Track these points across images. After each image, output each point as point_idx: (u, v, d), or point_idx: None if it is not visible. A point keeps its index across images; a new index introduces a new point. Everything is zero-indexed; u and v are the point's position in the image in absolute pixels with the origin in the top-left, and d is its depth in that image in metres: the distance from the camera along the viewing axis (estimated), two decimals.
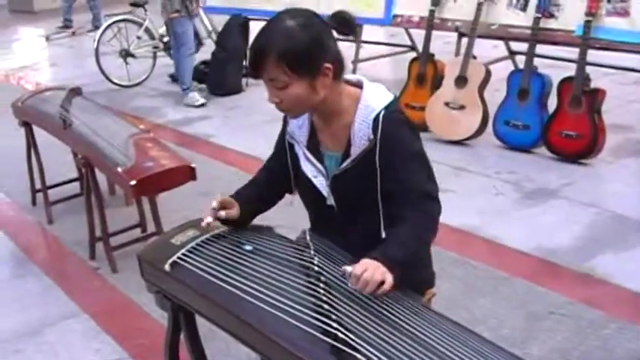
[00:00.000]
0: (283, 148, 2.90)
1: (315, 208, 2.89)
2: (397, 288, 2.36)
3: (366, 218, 2.69)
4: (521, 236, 5.36)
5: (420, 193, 2.56)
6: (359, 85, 2.70)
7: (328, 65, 2.51)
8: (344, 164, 2.66)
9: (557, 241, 5.27)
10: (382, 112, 2.58)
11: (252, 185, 2.99)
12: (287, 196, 3.05)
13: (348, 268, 2.33)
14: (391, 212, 2.62)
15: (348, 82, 2.71)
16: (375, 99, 2.63)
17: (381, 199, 2.64)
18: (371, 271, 2.29)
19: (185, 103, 9.86)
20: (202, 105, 9.76)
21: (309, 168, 2.78)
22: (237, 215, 2.82)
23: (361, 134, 2.60)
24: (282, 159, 2.90)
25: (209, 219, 2.75)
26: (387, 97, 2.65)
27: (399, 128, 2.60)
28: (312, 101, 2.56)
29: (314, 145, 2.78)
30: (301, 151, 2.80)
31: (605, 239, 5.28)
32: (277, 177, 2.96)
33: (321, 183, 2.76)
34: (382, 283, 2.29)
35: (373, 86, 2.70)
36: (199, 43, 10.73)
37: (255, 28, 10.08)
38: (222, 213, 2.78)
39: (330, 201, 2.76)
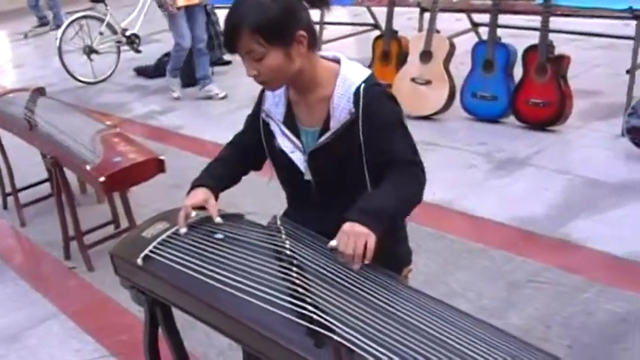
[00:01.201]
0: (256, 124, 2.89)
1: (293, 185, 2.89)
2: (383, 240, 2.39)
3: (343, 191, 2.70)
4: (495, 207, 5.38)
5: (406, 161, 2.59)
6: (336, 61, 2.71)
7: (302, 32, 2.52)
8: (323, 138, 2.66)
9: (532, 209, 5.30)
10: (362, 85, 2.59)
11: (222, 165, 2.98)
12: (265, 174, 3.05)
13: (333, 243, 2.39)
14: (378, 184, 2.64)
15: (325, 58, 2.72)
16: (353, 73, 2.64)
17: (368, 172, 2.66)
18: (352, 239, 2.33)
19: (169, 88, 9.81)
20: (177, 98, 9.67)
21: (286, 143, 2.78)
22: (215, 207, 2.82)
23: (341, 108, 2.61)
24: (254, 135, 2.90)
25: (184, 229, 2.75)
26: (365, 72, 2.66)
27: (381, 99, 2.62)
28: (290, 70, 2.56)
29: (290, 121, 2.78)
30: (277, 128, 2.80)
31: (579, 204, 5.30)
32: (247, 152, 2.98)
33: (298, 158, 2.76)
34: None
35: (351, 62, 2.71)
36: (209, 38, 10.25)
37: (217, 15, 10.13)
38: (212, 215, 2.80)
39: (308, 176, 2.77)
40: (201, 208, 2.77)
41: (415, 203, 2.61)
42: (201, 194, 2.79)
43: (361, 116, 2.57)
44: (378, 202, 2.44)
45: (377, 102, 2.59)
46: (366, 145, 2.60)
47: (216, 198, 2.84)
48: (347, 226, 2.37)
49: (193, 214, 2.74)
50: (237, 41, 2.49)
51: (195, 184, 2.85)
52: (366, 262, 2.34)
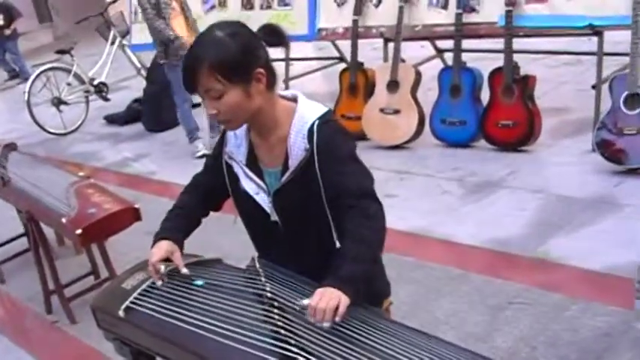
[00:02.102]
0: (217, 166, 2.90)
1: (258, 226, 2.88)
2: (355, 304, 2.36)
3: (311, 230, 2.70)
4: (472, 231, 5.39)
5: (357, 193, 2.54)
6: (294, 100, 2.72)
7: (261, 70, 2.54)
8: (283, 178, 2.67)
9: (509, 230, 5.31)
10: (316, 122, 2.60)
11: (182, 213, 2.98)
12: (229, 214, 3.04)
13: (305, 302, 2.34)
14: (338, 219, 2.62)
15: (284, 98, 2.74)
16: (309, 110, 2.65)
17: (328, 207, 2.65)
18: (325, 299, 2.29)
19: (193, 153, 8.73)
20: (203, 156, 8.04)
21: (250, 185, 2.78)
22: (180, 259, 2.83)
23: (297, 146, 2.62)
24: (216, 175, 2.90)
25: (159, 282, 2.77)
26: (322, 109, 2.68)
27: (333, 135, 2.62)
28: (249, 108, 2.57)
29: (253, 163, 2.78)
30: (241, 170, 2.81)
31: (555, 222, 5.32)
32: (208, 195, 2.99)
33: (263, 200, 2.76)
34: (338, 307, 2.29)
35: (308, 100, 2.72)
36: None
37: None
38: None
39: (274, 217, 2.76)
40: (168, 260, 2.79)
41: (381, 243, 2.57)
42: (165, 246, 2.80)
43: (316, 152, 2.58)
44: (350, 268, 2.39)
45: (330, 137, 2.60)
46: (322, 180, 2.61)
47: (181, 248, 2.86)
48: (321, 289, 2.33)
49: (162, 267, 2.75)
50: (196, 79, 2.51)
51: (159, 237, 2.86)
52: (337, 319, 2.28)
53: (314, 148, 2.57)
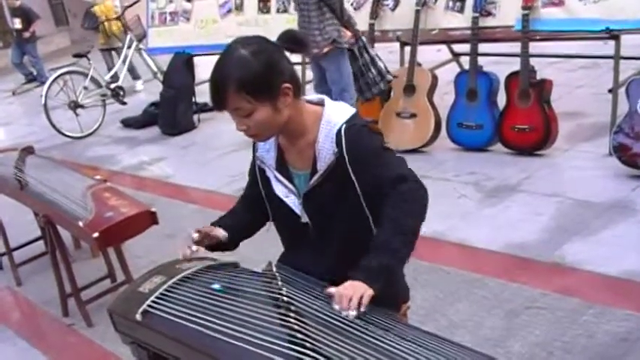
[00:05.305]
0: (255, 174, 2.93)
1: (290, 229, 2.91)
2: (379, 295, 2.39)
3: (341, 230, 2.73)
4: (488, 235, 5.38)
5: (392, 179, 2.55)
6: (321, 104, 2.73)
7: (287, 85, 2.55)
8: (312, 181, 2.70)
9: (525, 235, 5.29)
10: (344, 126, 2.61)
11: (230, 216, 3.06)
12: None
13: (332, 290, 2.40)
14: (377, 211, 2.64)
15: (310, 102, 2.75)
16: (336, 114, 2.67)
17: (366, 202, 2.67)
18: (351, 289, 2.35)
19: None
20: None
21: (281, 189, 2.82)
22: (222, 235, 2.90)
23: (326, 149, 2.64)
24: (257, 186, 2.94)
25: (193, 248, 2.84)
26: (348, 111, 2.69)
27: (361, 134, 2.63)
28: (279, 122, 2.60)
29: (283, 166, 2.81)
30: (272, 174, 2.84)
31: (571, 227, 5.30)
32: (256, 204, 3.00)
33: (293, 202, 2.80)
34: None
35: (334, 103, 2.74)
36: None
37: (199, 63, 10.20)
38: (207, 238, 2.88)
39: (305, 218, 2.79)
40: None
41: (419, 226, 2.59)
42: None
43: (346, 155, 2.59)
44: (379, 260, 2.43)
45: (358, 138, 2.61)
46: (358, 180, 2.62)
47: (224, 244, 2.94)
48: (349, 282, 2.39)
49: (195, 235, 2.82)
50: (224, 100, 2.52)
51: None
52: (362, 309, 2.33)
53: (343, 150, 2.59)
